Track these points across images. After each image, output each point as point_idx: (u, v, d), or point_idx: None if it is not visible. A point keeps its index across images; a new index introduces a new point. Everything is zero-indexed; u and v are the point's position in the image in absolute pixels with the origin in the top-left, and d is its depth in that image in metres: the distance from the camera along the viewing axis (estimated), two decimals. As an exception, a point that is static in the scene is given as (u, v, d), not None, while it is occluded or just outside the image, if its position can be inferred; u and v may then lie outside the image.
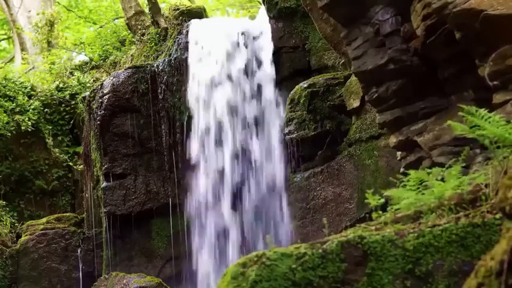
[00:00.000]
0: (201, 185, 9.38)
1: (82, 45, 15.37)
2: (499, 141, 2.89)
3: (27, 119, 11.84)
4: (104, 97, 9.86)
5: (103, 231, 9.84)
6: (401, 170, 6.53)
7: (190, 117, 9.78)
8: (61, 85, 13.03)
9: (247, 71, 9.83)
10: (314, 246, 2.42)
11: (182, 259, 9.47)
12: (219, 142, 9.48)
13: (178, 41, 10.40)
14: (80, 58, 15.92)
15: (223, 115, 9.55)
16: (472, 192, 2.81)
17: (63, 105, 12.73)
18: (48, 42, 15.76)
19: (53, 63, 14.33)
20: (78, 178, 12.09)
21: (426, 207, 2.84)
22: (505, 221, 2.24)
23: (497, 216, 2.51)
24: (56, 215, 10.85)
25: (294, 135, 8.61)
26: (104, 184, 9.78)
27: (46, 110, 12.50)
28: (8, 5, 17.18)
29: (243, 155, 9.43)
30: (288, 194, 8.92)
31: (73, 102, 12.68)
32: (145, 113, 9.87)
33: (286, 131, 8.76)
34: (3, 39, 23.54)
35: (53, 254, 10.01)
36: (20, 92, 12.39)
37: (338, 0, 6.50)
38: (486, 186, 2.84)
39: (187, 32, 10.37)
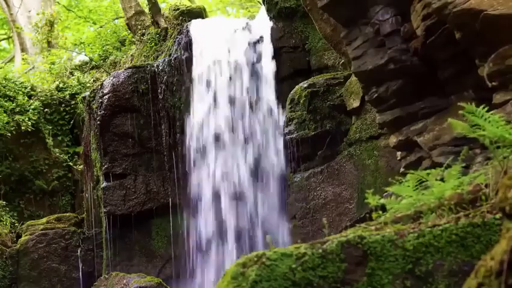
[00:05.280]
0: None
1: (82, 45, 15.38)
2: (499, 141, 2.89)
3: (27, 119, 11.83)
4: (104, 97, 9.86)
5: (103, 231, 9.84)
6: (401, 170, 6.54)
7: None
8: (61, 85, 13.03)
9: (248, 70, 9.83)
10: (314, 246, 2.42)
11: (182, 259, 9.48)
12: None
13: (178, 41, 10.40)
14: (80, 58, 15.93)
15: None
16: (472, 192, 2.81)
17: (63, 105, 12.73)
18: (48, 42, 15.76)
19: (53, 63, 14.33)
20: (78, 178, 12.09)
21: (426, 207, 2.84)
22: (505, 221, 2.24)
23: (497, 216, 2.51)
24: (56, 215, 10.85)
25: (294, 135, 8.61)
26: (103, 184, 9.77)
27: (46, 110, 12.50)
28: (8, 5, 17.18)
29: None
30: (288, 194, 8.93)
31: (73, 102, 12.68)
32: (145, 113, 9.87)
33: (286, 131, 8.76)
34: (3, 39, 23.54)
35: (53, 254, 10.01)
36: (20, 92, 12.39)
37: (338, 0, 6.51)
38: (486, 186, 2.84)
39: (187, 31, 10.37)
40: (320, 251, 2.40)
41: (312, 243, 2.44)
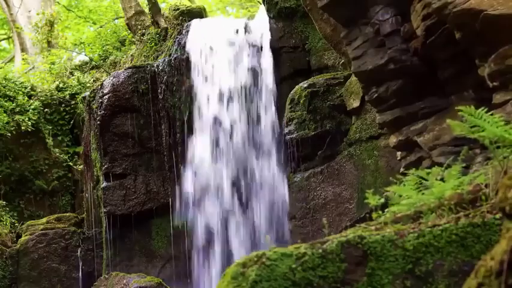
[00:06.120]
0: None
1: (82, 45, 15.38)
2: (499, 141, 2.89)
3: (27, 119, 11.83)
4: (104, 97, 9.86)
5: (103, 231, 9.84)
6: (401, 170, 6.53)
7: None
8: (61, 85, 13.03)
9: (248, 70, 9.83)
10: (314, 246, 2.42)
11: (182, 259, 9.48)
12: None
13: (178, 41, 10.39)
14: (80, 58, 15.93)
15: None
16: (472, 192, 2.81)
17: (63, 105, 12.73)
18: (48, 42, 15.76)
19: (53, 63, 14.33)
20: (78, 178, 12.09)
21: (426, 207, 2.84)
22: (505, 221, 2.25)
23: (497, 216, 2.51)
24: (56, 215, 10.84)
25: (294, 135, 8.61)
26: (103, 184, 9.77)
27: (46, 110, 12.49)
28: (8, 5, 17.18)
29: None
30: (288, 193, 8.93)
31: (73, 102, 12.68)
32: (145, 113, 9.87)
33: (286, 131, 8.76)
34: (3, 39, 23.54)
35: (53, 254, 10.01)
36: (20, 92, 12.39)
37: (338, 0, 6.51)
38: (486, 186, 2.84)
39: (187, 32, 10.37)
40: (320, 251, 2.40)
41: (312, 243, 2.44)
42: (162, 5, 13.92)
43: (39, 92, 12.69)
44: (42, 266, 9.95)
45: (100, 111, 9.83)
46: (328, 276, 2.37)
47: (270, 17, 10.11)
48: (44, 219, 10.66)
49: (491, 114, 3.01)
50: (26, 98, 12.32)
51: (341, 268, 2.39)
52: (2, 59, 20.85)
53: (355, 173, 8.16)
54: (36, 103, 12.27)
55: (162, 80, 9.96)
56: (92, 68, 14.46)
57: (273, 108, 9.55)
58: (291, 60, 9.83)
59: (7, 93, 12.21)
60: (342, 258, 2.40)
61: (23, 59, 16.12)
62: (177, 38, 10.55)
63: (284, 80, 9.68)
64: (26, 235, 10.21)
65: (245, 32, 10.10)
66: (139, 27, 12.48)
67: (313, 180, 8.53)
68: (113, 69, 12.98)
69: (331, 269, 2.39)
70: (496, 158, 2.91)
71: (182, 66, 10.02)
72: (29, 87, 12.69)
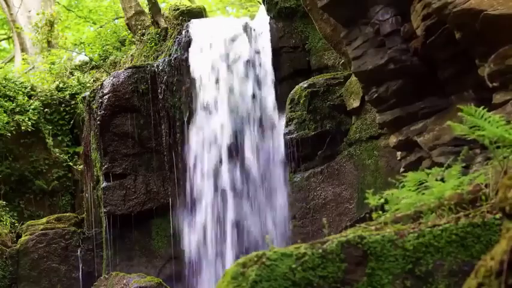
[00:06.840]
0: None
1: (82, 45, 15.37)
2: (499, 141, 2.89)
3: (27, 119, 11.83)
4: (104, 97, 9.86)
5: (103, 231, 9.84)
6: (401, 170, 6.54)
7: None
8: (61, 85, 13.03)
9: (248, 70, 9.83)
10: (314, 246, 2.42)
11: (182, 259, 9.48)
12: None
13: (178, 41, 10.39)
14: (80, 58, 15.92)
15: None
16: (472, 192, 2.81)
17: (63, 105, 12.73)
18: (48, 42, 15.76)
19: (53, 63, 14.33)
20: (78, 178, 12.09)
21: (426, 207, 2.84)
22: (505, 221, 2.25)
23: (497, 216, 2.51)
24: (56, 215, 10.84)
25: (294, 135, 8.61)
26: (103, 184, 9.77)
27: (46, 110, 12.49)
28: (8, 5, 17.18)
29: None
30: (288, 193, 8.94)
31: (73, 102, 12.68)
32: (145, 113, 9.87)
33: (286, 131, 8.76)
34: (3, 39, 23.54)
35: (53, 254, 10.01)
36: (20, 92, 12.39)
37: (338, 0, 6.51)
38: (486, 186, 2.84)
39: (187, 31, 10.37)
40: (320, 251, 2.40)
41: (312, 243, 2.44)
42: (162, 5, 13.92)
43: (39, 92, 12.68)
44: (42, 266, 9.95)
45: (100, 111, 9.83)
46: (328, 276, 2.37)
47: (270, 17, 10.11)
48: (44, 219, 10.66)
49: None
50: (26, 98, 12.32)
51: (341, 268, 2.39)
52: (2, 59, 20.85)
53: (355, 173, 8.17)
54: (36, 103, 12.27)
55: (162, 80, 9.96)
56: (92, 68, 14.45)
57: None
58: (291, 60, 9.83)
59: (7, 93, 12.21)
60: (342, 258, 2.40)
61: (23, 59, 16.12)
62: (177, 38, 10.55)
63: (284, 80, 9.68)
64: (26, 235, 10.22)
65: (245, 32, 10.10)
66: (139, 27, 12.48)
67: (313, 180, 8.53)
68: (113, 69, 12.98)
69: (331, 269, 2.39)
70: (496, 158, 2.91)
71: (182, 66, 10.02)
72: (29, 87, 12.69)
